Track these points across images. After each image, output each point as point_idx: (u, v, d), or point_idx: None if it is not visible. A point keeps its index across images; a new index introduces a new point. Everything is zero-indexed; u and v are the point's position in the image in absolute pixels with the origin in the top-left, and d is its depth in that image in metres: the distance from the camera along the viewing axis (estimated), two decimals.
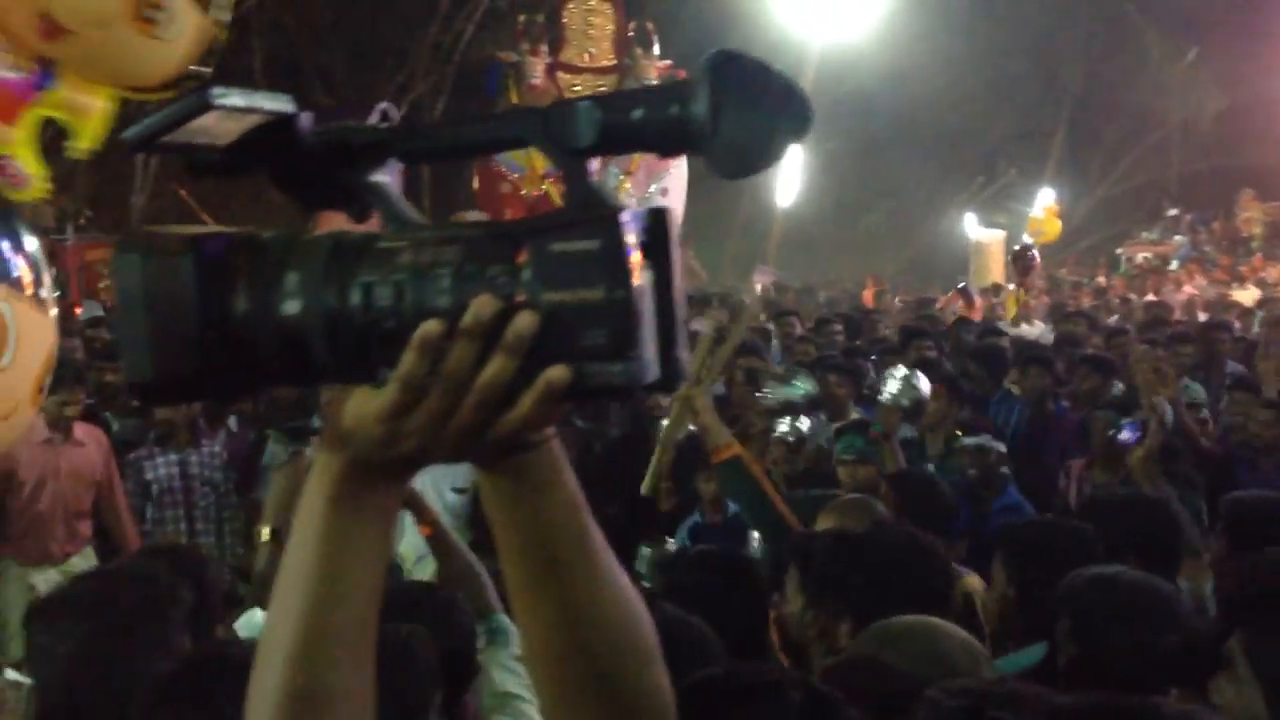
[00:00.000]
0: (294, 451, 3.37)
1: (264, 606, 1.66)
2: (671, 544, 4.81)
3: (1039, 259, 13.98)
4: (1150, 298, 15.88)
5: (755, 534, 4.32)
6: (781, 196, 21.44)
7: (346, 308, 0.86)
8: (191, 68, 4.43)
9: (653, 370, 0.84)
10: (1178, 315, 12.61)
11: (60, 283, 10.94)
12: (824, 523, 3.60)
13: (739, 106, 0.85)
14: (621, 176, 14.01)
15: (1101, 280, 20.81)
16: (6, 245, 3.05)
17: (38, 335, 3.18)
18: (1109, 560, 3.04)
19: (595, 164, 0.90)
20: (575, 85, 14.63)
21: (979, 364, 7.61)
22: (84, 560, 5.18)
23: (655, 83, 13.28)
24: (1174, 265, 21.99)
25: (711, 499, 5.28)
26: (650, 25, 14.79)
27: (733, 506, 4.93)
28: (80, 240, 15.75)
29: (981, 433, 5.44)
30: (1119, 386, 6.72)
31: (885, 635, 2.29)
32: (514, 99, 14.28)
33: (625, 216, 0.83)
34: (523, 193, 14.14)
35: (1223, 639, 2.33)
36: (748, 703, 1.48)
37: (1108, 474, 5.44)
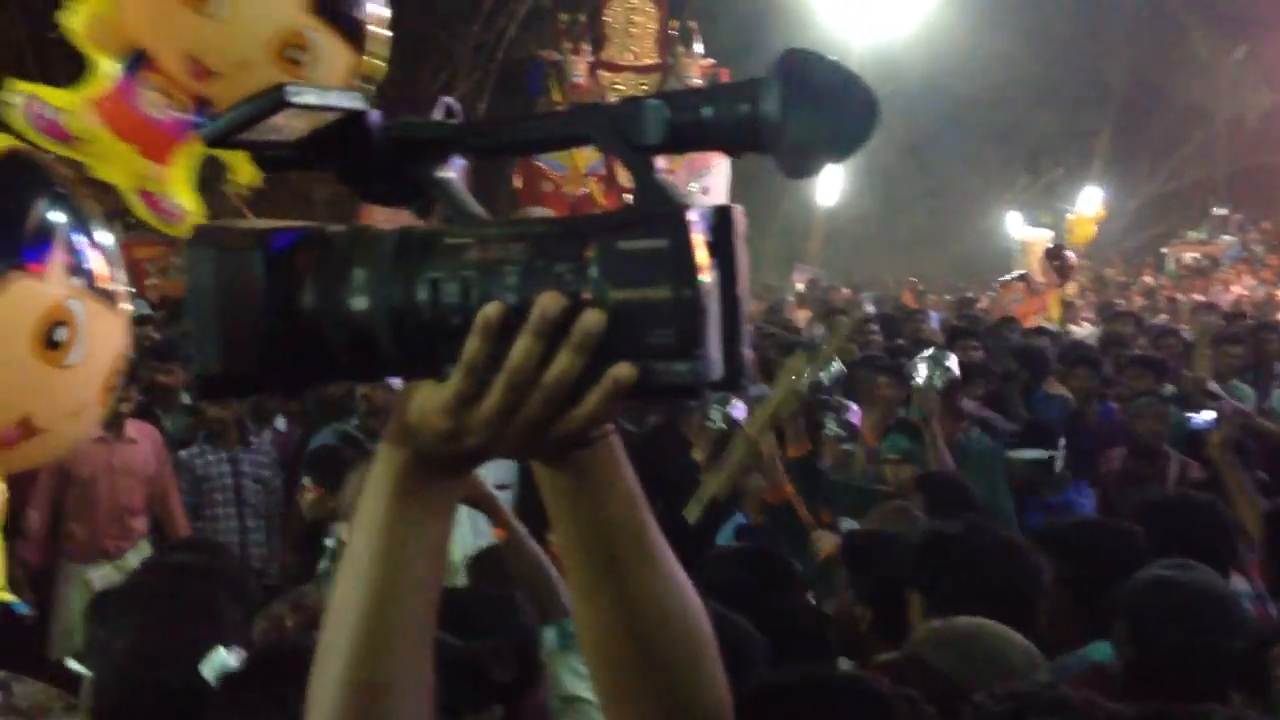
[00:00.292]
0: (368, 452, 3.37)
1: None
2: None
3: (1074, 257, 13.79)
4: (1197, 298, 15.68)
5: None
6: (823, 196, 21.33)
7: (413, 303, 0.86)
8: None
9: (717, 369, 0.84)
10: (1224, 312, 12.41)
11: None
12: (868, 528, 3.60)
13: (809, 106, 0.85)
14: None
15: (1149, 279, 20.55)
16: (83, 241, 3.05)
17: (109, 333, 3.19)
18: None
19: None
20: (617, 84, 14.61)
21: (1020, 364, 7.58)
22: (139, 556, 5.20)
23: (698, 81, 13.32)
24: (1223, 265, 21.69)
25: (754, 499, 5.27)
26: (693, 24, 14.75)
27: None
28: (130, 239, 15.90)
29: (995, 431, 5.45)
30: (1168, 388, 6.66)
31: (945, 637, 2.27)
32: (556, 98, 14.27)
33: (693, 215, 0.83)
34: (564, 191, 14.14)
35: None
36: (838, 704, 1.48)
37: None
